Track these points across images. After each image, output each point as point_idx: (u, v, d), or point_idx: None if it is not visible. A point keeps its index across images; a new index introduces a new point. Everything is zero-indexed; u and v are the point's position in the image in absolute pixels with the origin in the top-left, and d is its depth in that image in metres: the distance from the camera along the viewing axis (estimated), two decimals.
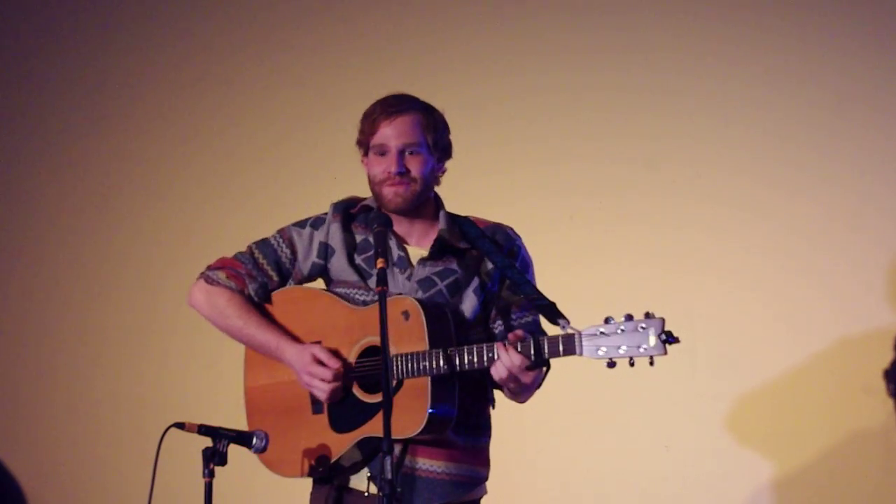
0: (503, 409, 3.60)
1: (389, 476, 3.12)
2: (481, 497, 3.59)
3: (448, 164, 3.63)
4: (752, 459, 4.90)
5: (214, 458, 3.34)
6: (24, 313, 5.74)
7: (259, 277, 3.62)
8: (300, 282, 3.66)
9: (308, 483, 3.59)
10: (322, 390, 3.47)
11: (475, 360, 3.35)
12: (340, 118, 5.31)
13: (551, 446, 5.05)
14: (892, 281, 4.82)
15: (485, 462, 3.58)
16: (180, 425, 3.37)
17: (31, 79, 5.82)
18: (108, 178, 5.72)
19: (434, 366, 3.36)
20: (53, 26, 5.82)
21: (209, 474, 3.33)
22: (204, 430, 3.38)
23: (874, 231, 4.86)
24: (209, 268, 3.66)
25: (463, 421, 3.47)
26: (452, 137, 3.64)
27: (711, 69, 5.04)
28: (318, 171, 5.35)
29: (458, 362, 3.36)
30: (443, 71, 5.30)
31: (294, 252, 3.64)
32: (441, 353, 3.36)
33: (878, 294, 4.81)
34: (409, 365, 3.38)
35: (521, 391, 3.45)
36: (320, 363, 3.48)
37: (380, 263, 3.33)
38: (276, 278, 3.64)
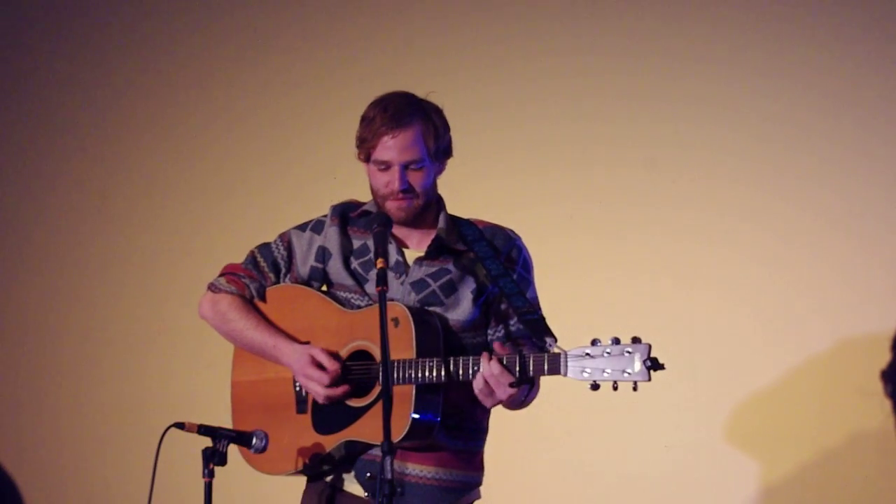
0: (503, 411, 3.60)
1: (389, 476, 3.11)
2: (474, 501, 3.57)
3: (449, 167, 3.61)
4: (751, 460, 4.90)
5: (214, 458, 3.34)
6: (24, 314, 5.74)
7: (258, 278, 3.63)
8: (298, 283, 3.65)
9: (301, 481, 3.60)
10: (318, 393, 3.47)
11: (461, 371, 3.35)
12: (342, 119, 5.32)
13: (552, 446, 5.05)
14: (887, 284, 4.82)
15: (478, 467, 3.57)
16: (180, 425, 3.38)
17: (32, 80, 5.82)
18: (111, 180, 5.72)
19: (420, 376, 3.36)
20: (53, 27, 5.82)
21: (209, 474, 3.33)
22: (204, 430, 3.38)
23: (870, 236, 4.86)
24: (215, 278, 3.68)
25: (457, 425, 3.47)
26: (453, 141, 3.61)
27: (711, 73, 5.04)
28: (320, 172, 5.34)
29: (443, 374, 3.35)
30: (443, 74, 5.29)
31: (291, 253, 3.64)
32: (427, 364, 3.36)
33: (875, 297, 4.81)
34: (396, 372, 3.38)
35: (508, 405, 3.42)
36: (319, 366, 3.48)
37: (379, 264, 3.32)
38: (273, 279, 3.65)
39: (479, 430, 3.56)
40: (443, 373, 3.35)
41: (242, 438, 3.40)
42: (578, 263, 5.07)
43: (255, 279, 3.63)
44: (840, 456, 4.82)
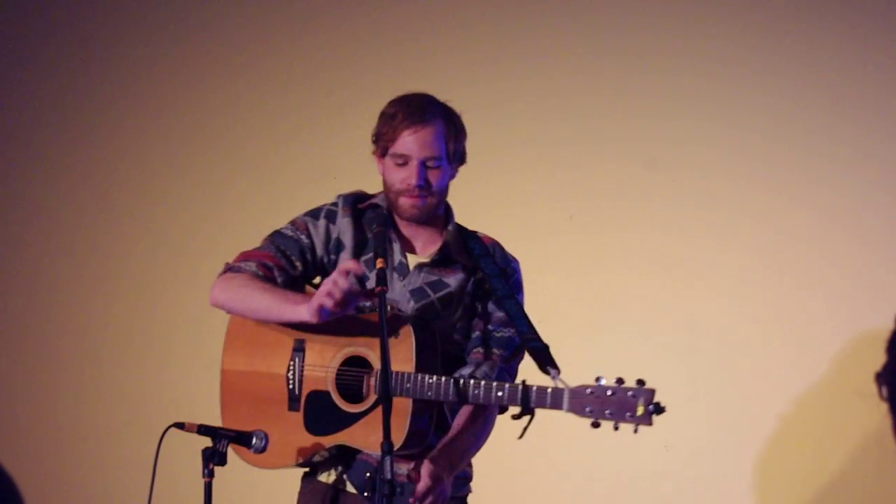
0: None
1: (389, 476, 3.10)
2: (467, 495, 3.59)
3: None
4: (750, 460, 4.91)
5: (214, 458, 3.34)
6: (24, 313, 5.74)
7: (288, 269, 3.53)
8: (316, 274, 3.57)
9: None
10: (338, 289, 3.29)
11: (460, 393, 3.31)
12: (343, 118, 5.34)
13: (551, 446, 5.04)
14: (887, 284, 4.82)
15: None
16: (180, 425, 3.37)
17: (32, 79, 5.82)
18: (109, 177, 5.72)
19: (420, 391, 3.32)
20: (51, 27, 5.82)
21: (209, 474, 3.33)
22: (204, 430, 3.38)
23: (874, 235, 4.86)
24: (232, 262, 3.54)
25: (443, 424, 3.47)
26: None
27: (711, 71, 5.05)
28: (319, 172, 5.35)
29: (441, 393, 3.32)
30: (442, 73, 5.29)
31: (311, 241, 3.55)
32: (425, 379, 3.32)
33: (876, 298, 4.81)
34: (395, 384, 3.32)
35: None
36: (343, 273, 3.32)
37: (379, 263, 3.29)
38: (300, 269, 3.54)
39: None
40: (441, 392, 3.31)
41: (242, 439, 3.39)
42: (579, 264, 5.07)
43: (284, 270, 3.53)
44: (838, 458, 4.82)
